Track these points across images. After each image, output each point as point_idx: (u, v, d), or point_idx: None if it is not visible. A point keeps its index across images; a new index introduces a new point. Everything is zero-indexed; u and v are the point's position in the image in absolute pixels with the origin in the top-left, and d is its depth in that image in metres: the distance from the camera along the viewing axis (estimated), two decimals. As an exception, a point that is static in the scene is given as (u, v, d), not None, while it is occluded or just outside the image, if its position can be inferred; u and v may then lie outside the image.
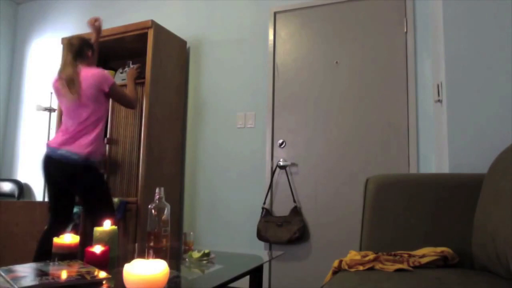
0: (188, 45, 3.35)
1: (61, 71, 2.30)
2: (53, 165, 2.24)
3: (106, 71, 2.38)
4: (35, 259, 2.15)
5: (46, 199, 3.47)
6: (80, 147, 2.21)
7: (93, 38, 2.63)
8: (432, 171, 2.41)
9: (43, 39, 4.11)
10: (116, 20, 3.65)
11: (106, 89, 2.30)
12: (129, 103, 2.52)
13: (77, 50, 2.34)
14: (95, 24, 2.66)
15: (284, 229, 2.65)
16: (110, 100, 2.68)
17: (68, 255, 1.38)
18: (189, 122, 3.26)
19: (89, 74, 2.28)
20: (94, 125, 2.28)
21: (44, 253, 2.19)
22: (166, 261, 1.06)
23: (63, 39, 2.43)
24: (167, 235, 1.50)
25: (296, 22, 2.97)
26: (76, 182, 2.24)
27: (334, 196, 2.67)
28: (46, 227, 2.34)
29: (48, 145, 2.28)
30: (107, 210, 2.30)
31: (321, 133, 2.78)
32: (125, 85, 2.99)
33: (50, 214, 2.35)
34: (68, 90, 2.24)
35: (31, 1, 4.25)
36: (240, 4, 3.19)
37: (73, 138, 2.23)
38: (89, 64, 2.39)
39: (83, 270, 1.21)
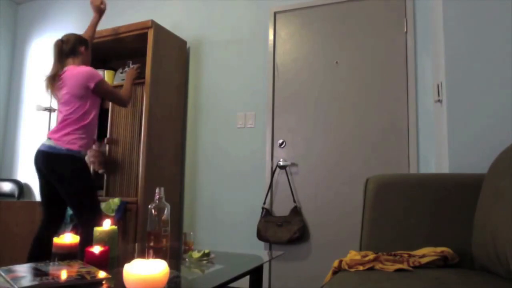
0: (188, 45, 3.35)
1: (50, 69, 2.34)
2: (39, 157, 2.26)
3: (93, 69, 2.37)
4: (29, 260, 2.15)
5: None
6: (63, 140, 2.21)
7: (93, 19, 2.73)
8: (432, 171, 2.41)
9: (43, 39, 4.11)
10: (116, 20, 3.65)
11: (92, 85, 2.28)
12: (119, 100, 2.52)
13: (70, 48, 2.36)
14: (101, 6, 2.73)
15: (284, 229, 2.65)
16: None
17: (68, 255, 1.38)
18: (189, 122, 3.26)
19: (75, 72, 2.29)
20: (79, 120, 2.27)
21: (38, 254, 2.18)
22: (166, 261, 1.06)
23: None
24: (167, 235, 1.50)
25: (296, 22, 2.97)
26: (57, 175, 2.21)
27: (334, 196, 2.67)
28: (39, 226, 2.33)
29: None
30: (92, 212, 2.25)
31: (321, 133, 2.78)
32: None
33: (42, 213, 2.33)
34: (51, 88, 2.29)
35: (31, 1, 4.25)
36: (240, 4, 3.20)
37: (59, 131, 2.25)
38: (83, 59, 2.40)
39: (83, 270, 1.21)
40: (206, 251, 1.61)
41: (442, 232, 1.41)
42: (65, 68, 2.32)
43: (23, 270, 1.21)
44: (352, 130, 2.69)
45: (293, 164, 2.82)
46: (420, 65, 2.57)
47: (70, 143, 2.22)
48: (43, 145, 2.27)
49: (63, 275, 1.16)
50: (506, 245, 1.01)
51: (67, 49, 2.35)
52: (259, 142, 2.96)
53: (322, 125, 2.78)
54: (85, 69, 2.32)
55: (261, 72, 3.03)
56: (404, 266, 1.18)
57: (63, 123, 2.26)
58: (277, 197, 2.83)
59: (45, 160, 2.22)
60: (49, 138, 2.26)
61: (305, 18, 2.95)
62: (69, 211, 2.97)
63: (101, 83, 2.34)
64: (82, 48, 2.41)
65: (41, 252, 2.18)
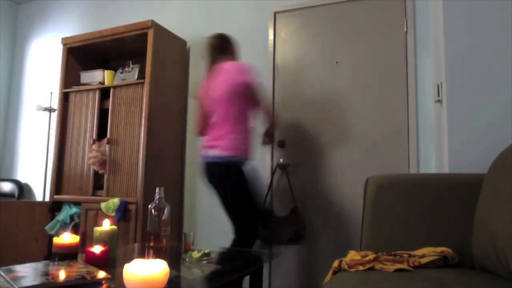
0: (188, 45, 3.35)
1: (205, 75, 2.37)
2: (206, 170, 2.25)
3: (246, 64, 2.31)
4: None
5: (47, 199, 3.49)
6: (225, 148, 2.17)
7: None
8: (432, 171, 2.41)
9: (43, 39, 4.11)
10: (116, 20, 3.65)
11: (244, 81, 2.21)
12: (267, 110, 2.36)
13: (219, 46, 2.38)
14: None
15: (284, 229, 2.64)
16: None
17: (68, 255, 1.38)
18: (189, 122, 3.26)
19: (228, 66, 2.28)
20: (237, 121, 2.22)
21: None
22: (166, 261, 1.06)
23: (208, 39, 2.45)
24: (167, 235, 1.50)
25: (296, 22, 2.97)
26: (219, 185, 2.22)
27: (334, 196, 2.67)
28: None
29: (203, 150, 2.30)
30: (250, 219, 2.24)
31: (321, 133, 2.78)
32: (125, 85, 3.00)
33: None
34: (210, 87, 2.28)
35: (31, 1, 4.25)
36: (240, 4, 3.19)
37: (218, 139, 2.20)
38: (232, 58, 2.41)
39: (83, 270, 1.21)
40: (206, 251, 1.61)
41: (442, 232, 1.41)
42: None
43: (23, 270, 1.21)
44: (352, 130, 2.69)
45: (293, 164, 2.81)
46: (420, 65, 2.57)
47: (231, 151, 2.26)
48: (205, 155, 2.29)
49: (63, 275, 1.16)
50: (506, 245, 1.01)
51: (215, 48, 2.41)
52: (259, 142, 2.95)
53: (322, 125, 2.78)
54: (237, 63, 2.35)
55: (261, 72, 3.03)
56: (404, 266, 1.18)
57: (220, 131, 2.27)
58: (277, 197, 2.83)
59: (210, 172, 2.29)
60: (207, 151, 2.27)
61: (305, 18, 2.95)
62: (71, 211, 2.98)
63: (254, 82, 2.28)
64: (231, 47, 2.44)
65: None
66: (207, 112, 2.36)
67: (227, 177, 2.20)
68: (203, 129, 2.41)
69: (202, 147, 2.30)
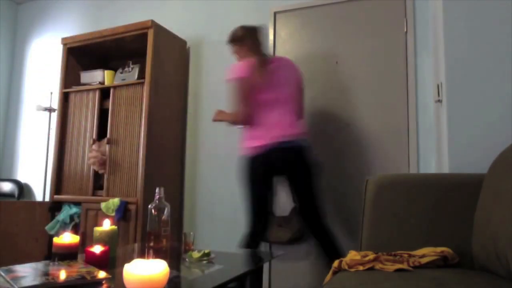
0: (188, 45, 3.35)
1: (260, 60, 2.29)
2: (291, 155, 2.23)
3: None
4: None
5: (47, 199, 3.49)
6: (306, 135, 2.31)
7: None
8: (432, 171, 2.41)
9: (43, 39, 4.11)
10: (116, 20, 3.65)
11: (302, 83, 2.43)
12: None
13: (261, 38, 2.40)
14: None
15: (284, 229, 2.64)
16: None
17: (68, 255, 1.38)
18: (189, 122, 3.26)
19: (289, 62, 2.41)
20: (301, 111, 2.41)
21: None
22: (166, 261, 1.06)
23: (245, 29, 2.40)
24: (167, 235, 1.50)
25: (296, 22, 2.97)
26: (311, 168, 2.31)
27: (334, 196, 2.67)
28: (251, 231, 2.29)
29: (275, 139, 2.21)
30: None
31: (321, 133, 2.77)
32: (125, 85, 3.00)
33: (256, 217, 2.30)
34: (271, 79, 2.26)
35: (31, 1, 4.25)
36: (240, 4, 3.19)
37: (301, 126, 2.31)
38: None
39: (83, 270, 1.21)
40: (206, 251, 1.61)
41: (442, 232, 1.41)
42: None
43: (23, 270, 1.21)
44: (352, 130, 2.69)
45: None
46: (420, 65, 2.57)
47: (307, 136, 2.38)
48: (286, 142, 2.22)
49: (63, 275, 1.16)
50: (506, 245, 1.01)
51: (259, 38, 2.40)
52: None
53: (322, 125, 2.78)
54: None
55: (261, 72, 3.03)
56: (404, 266, 1.18)
57: (295, 120, 2.34)
58: (277, 197, 2.83)
59: (298, 158, 2.29)
60: (291, 138, 2.25)
61: (305, 18, 2.95)
62: (71, 211, 2.98)
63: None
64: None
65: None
66: (252, 99, 2.32)
67: (312, 160, 2.33)
68: (252, 115, 2.33)
69: (279, 135, 2.22)
